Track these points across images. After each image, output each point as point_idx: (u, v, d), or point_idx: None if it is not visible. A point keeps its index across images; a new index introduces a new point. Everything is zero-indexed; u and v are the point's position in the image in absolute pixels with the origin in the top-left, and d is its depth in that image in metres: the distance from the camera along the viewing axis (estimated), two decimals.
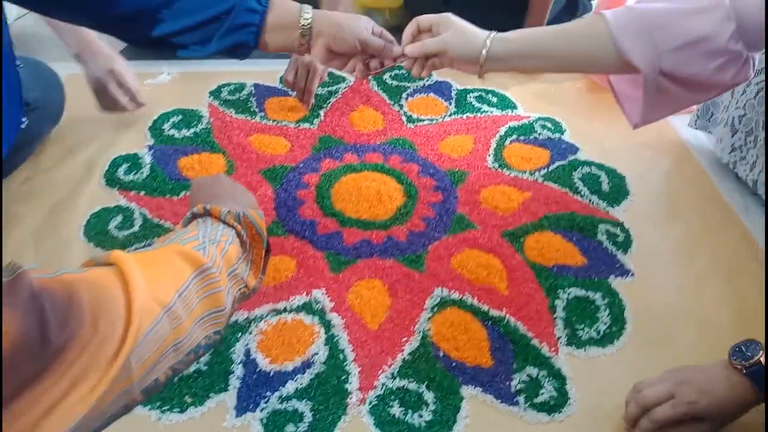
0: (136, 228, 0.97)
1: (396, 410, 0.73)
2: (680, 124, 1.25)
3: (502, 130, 1.22)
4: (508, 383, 0.76)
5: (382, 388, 0.75)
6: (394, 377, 0.77)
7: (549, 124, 1.25)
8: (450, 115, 1.26)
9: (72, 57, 1.13)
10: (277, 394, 0.74)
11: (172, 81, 1.36)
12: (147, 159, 1.11)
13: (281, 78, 1.30)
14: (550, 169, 1.12)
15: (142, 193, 1.04)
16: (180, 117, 1.23)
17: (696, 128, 1.20)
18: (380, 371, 0.77)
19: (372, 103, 1.29)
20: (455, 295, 0.87)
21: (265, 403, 0.73)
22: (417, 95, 1.32)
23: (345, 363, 0.78)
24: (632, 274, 0.92)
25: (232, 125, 1.21)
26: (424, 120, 1.25)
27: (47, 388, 0.34)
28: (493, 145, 1.18)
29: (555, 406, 0.74)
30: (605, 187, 1.09)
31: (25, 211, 1.00)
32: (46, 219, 0.99)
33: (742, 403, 0.66)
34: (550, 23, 1.39)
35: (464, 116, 1.26)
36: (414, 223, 0.99)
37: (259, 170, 1.10)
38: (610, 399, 0.75)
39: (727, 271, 0.94)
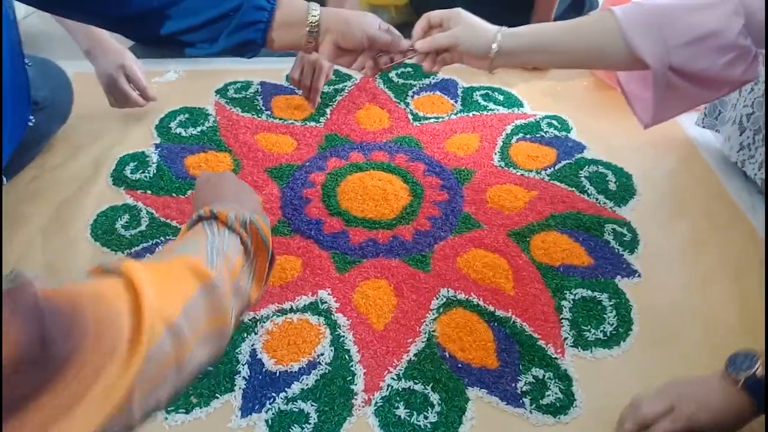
0: (143, 227, 0.97)
1: (401, 411, 0.73)
2: (687, 123, 1.24)
3: (509, 129, 1.22)
4: (513, 385, 0.76)
5: (387, 389, 0.75)
6: (399, 378, 0.77)
7: (556, 123, 1.24)
8: (456, 114, 1.26)
9: (83, 53, 1.14)
10: (282, 394, 0.74)
11: (179, 79, 1.36)
12: (154, 158, 1.11)
13: (287, 76, 1.30)
14: (556, 168, 1.12)
15: (149, 192, 1.04)
16: (187, 115, 1.23)
17: (703, 127, 1.19)
18: (386, 372, 0.77)
19: (378, 101, 1.29)
20: (461, 296, 0.87)
21: (271, 403, 0.74)
22: (423, 93, 1.32)
23: (351, 364, 0.78)
24: (639, 275, 0.92)
25: (238, 123, 1.21)
26: (430, 118, 1.25)
27: (45, 404, 0.33)
28: (500, 143, 1.18)
29: (561, 407, 0.74)
30: (612, 186, 1.09)
31: (32, 210, 1.00)
32: (53, 218, 0.99)
33: (740, 415, 0.65)
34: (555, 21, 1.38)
35: (470, 114, 1.26)
36: (420, 222, 0.99)
37: (265, 169, 1.10)
38: (617, 401, 0.75)
39: (734, 270, 0.93)
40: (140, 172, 1.08)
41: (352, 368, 0.78)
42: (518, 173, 1.11)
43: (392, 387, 0.76)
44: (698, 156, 1.17)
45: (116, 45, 1.15)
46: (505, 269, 0.92)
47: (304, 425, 0.71)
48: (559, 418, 0.73)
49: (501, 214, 1.01)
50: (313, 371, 0.77)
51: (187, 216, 0.98)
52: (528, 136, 1.20)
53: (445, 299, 0.87)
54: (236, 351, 0.79)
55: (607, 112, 1.29)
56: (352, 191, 1.05)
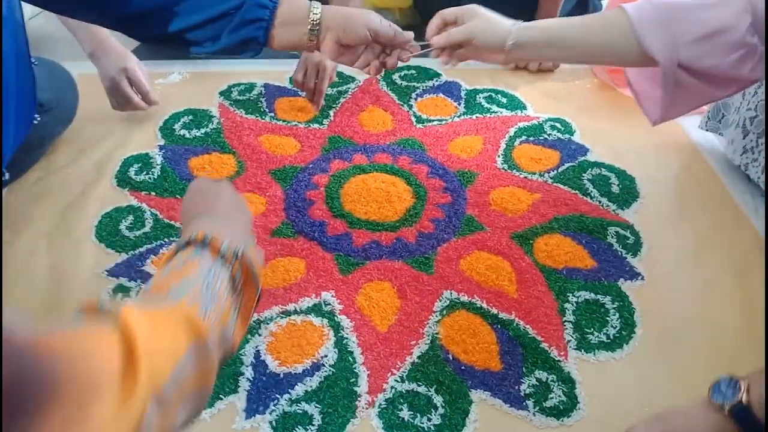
0: (147, 228, 0.98)
1: (405, 413, 0.73)
2: (691, 126, 1.24)
3: (512, 131, 1.22)
4: (517, 387, 0.77)
5: (391, 391, 0.76)
6: (403, 380, 0.77)
7: (559, 125, 1.24)
8: (459, 116, 1.26)
9: (87, 56, 1.14)
10: (286, 396, 0.75)
11: (183, 81, 1.36)
12: (158, 159, 1.12)
13: (291, 78, 1.30)
14: (559, 171, 1.12)
15: (153, 193, 1.04)
16: (190, 117, 1.23)
17: (707, 130, 1.19)
18: (389, 374, 0.78)
19: (381, 103, 1.29)
20: (464, 298, 0.87)
21: (275, 405, 0.74)
22: (426, 96, 1.32)
23: (354, 365, 0.78)
24: (642, 278, 0.92)
25: (242, 125, 1.21)
26: (433, 120, 1.25)
27: None
28: (503, 145, 1.18)
29: (564, 410, 0.74)
30: (615, 188, 1.09)
31: (36, 212, 1.01)
32: (57, 219, 1.00)
33: None
34: None
35: (473, 117, 1.26)
36: (423, 224, 0.99)
37: (269, 170, 1.10)
38: (620, 404, 0.75)
39: (737, 273, 0.93)
40: (144, 173, 1.09)
41: (355, 370, 0.78)
42: (521, 176, 1.11)
43: (396, 389, 0.76)
44: (701, 159, 1.18)
45: (120, 47, 1.15)
46: (508, 272, 0.92)
47: (307, 427, 0.72)
48: (562, 421, 0.73)
49: (504, 217, 1.02)
50: (316, 373, 0.77)
51: None
52: (531, 138, 1.20)
53: (448, 301, 0.87)
54: (240, 352, 0.79)
55: (611, 114, 1.29)
56: (355, 193, 1.05)
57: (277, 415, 0.73)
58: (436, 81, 1.37)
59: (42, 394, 0.30)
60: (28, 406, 0.30)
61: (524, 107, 1.30)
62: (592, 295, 0.89)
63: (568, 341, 0.82)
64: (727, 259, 0.96)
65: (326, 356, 0.79)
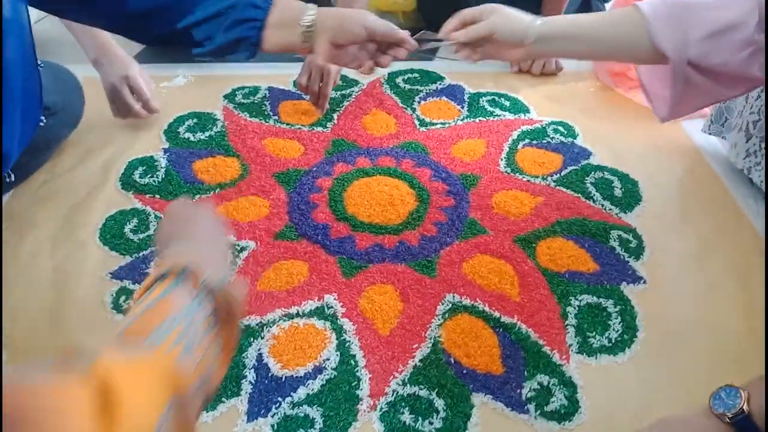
0: (151, 231, 0.98)
1: (407, 417, 0.74)
2: (693, 130, 1.24)
3: (515, 134, 1.22)
4: (519, 391, 0.77)
5: (392, 395, 0.76)
6: (404, 384, 0.77)
7: (562, 129, 1.24)
8: (462, 119, 1.27)
9: (90, 62, 1.15)
10: (288, 399, 0.75)
11: (188, 84, 1.37)
12: (162, 162, 1.12)
13: (295, 81, 1.31)
14: (562, 174, 1.12)
15: (158, 196, 1.05)
16: (195, 120, 1.24)
17: (710, 133, 1.19)
18: (391, 377, 0.78)
19: (385, 106, 1.30)
20: (467, 301, 0.88)
21: (277, 408, 0.74)
22: (430, 99, 1.32)
23: (356, 369, 0.79)
24: (644, 282, 0.92)
25: (246, 128, 1.22)
26: (436, 124, 1.25)
27: None
28: (506, 149, 1.18)
29: (566, 414, 0.74)
30: (618, 192, 1.09)
31: (41, 214, 1.01)
32: (62, 222, 1.00)
33: None
34: None
35: (477, 120, 1.26)
36: (426, 227, 1.00)
37: (272, 173, 1.11)
38: (622, 408, 0.75)
39: (740, 277, 0.93)
40: (149, 176, 1.09)
41: (357, 373, 0.78)
42: (524, 179, 1.11)
43: (397, 392, 0.76)
44: (704, 163, 1.17)
45: (122, 54, 1.15)
46: (510, 275, 0.92)
47: (309, 430, 0.72)
48: (563, 425, 0.73)
49: (507, 220, 1.02)
50: (318, 376, 0.78)
51: None
52: (534, 142, 1.20)
53: (450, 305, 0.87)
54: (243, 355, 0.80)
55: (614, 118, 1.29)
56: (358, 196, 1.05)
57: (279, 419, 0.73)
58: (440, 84, 1.37)
59: None
60: None
61: (527, 110, 1.30)
62: (595, 298, 0.89)
63: (570, 345, 0.82)
64: (730, 263, 0.96)
65: (328, 359, 0.80)
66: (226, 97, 1.31)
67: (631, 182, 1.11)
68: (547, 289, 0.90)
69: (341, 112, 1.27)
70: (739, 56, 0.72)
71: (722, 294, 0.91)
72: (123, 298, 0.87)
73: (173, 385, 0.41)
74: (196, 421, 0.44)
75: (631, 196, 1.08)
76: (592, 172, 1.13)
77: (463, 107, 1.30)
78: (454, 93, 1.34)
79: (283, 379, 0.77)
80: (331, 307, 0.86)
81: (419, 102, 1.31)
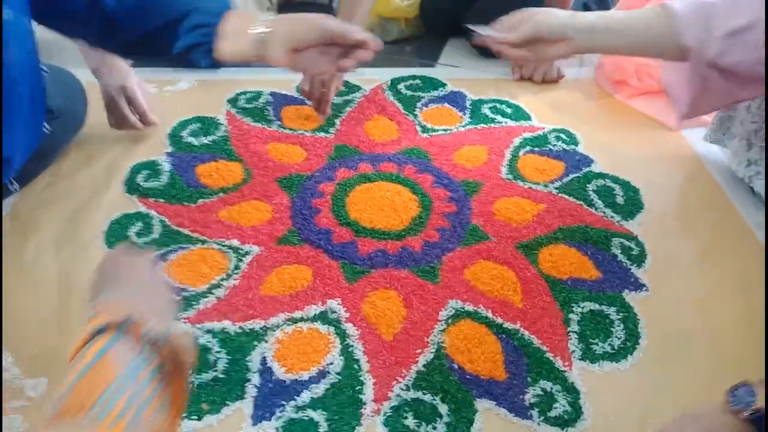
0: (155, 234, 0.98)
1: (410, 422, 0.74)
2: (695, 138, 1.25)
3: (517, 141, 1.23)
4: (521, 397, 0.77)
5: (396, 399, 0.76)
6: (408, 388, 0.77)
7: (563, 136, 1.25)
8: (464, 126, 1.27)
9: (90, 71, 1.14)
10: (292, 403, 0.75)
11: (191, 88, 1.37)
12: (166, 166, 1.13)
13: (298, 87, 1.31)
14: (564, 181, 1.13)
15: (161, 200, 1.05)
16: (198, 124, 1.24)
17: (711, 142, 1.20)
18: (394, 382, 0.78)
19: (387, 112, 1.30)
20: (469, 307, 0.88)
21: (281, 412, 0.74)
22: (432, 105, 1.33)
23: (360, 373, 0.79)
24: (646, 289, 0.92)
25: (249, 133, 1.22)
26: (438, 130, 1.26)
27: None
28: (508, 156, 1.19)
29: (568, 420, 0.75)
30: (619, 200, 1.09)
31: (45, 218, 1.02)
32: (66, 225, 1.00)
33: None
34: None
35: (478, 127, 1.27)
36: (428, 233, 1.00)
37: (275, 178, 1.11)
38: (624, 414, 0.76)
39: (741, 285, 0.94)
40: (152, 180, 1.10)
41: (361, 378, 0.78)
42: (526, 186, 1.11)
43: (401, 397, 0.76)
44: (705, 171, 1.18)
45: (121, 64, 1.14)
46: (513, 281, 0.92)
47: None
48: (566, 431, 0.74)
49: (509, 227, 1.02)
50: (322, 380, 0.78)
51: (198, 225, 1.00)
52: (536, 149, 1.21)
53: (453, 310, 0.88)
54: (247, 359, 0.80)
55: (615, 125, 1.30)
56: (361, 202, 1.06)
57: (283, 422, 0.73)
58: (442, 91, 1.38)
59: None
60: None
61: (529, 118, 1.31)
62: (597, 305, 0.89)
63: (573, 351, 0.83)
64: (731, 271, 0.96)
65: (332, 364, 0.80)
66: (229, 101, 1.32)
67: (632, 190, 1.12)
68: (550, 295, 0.90)
69: (344, 117, 1.28)
70: (754, 56, 0.73)
71: (724, 301, 0.91)
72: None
73: None
74: None
75: (632, 204, 1.09)
76: (594, 180, 1.14)
77: (464, 114, 1.31)
78: (455, 100, 1.35)
79: (288, 383, 0.77)
80: (335, 311, 0.87)
81: (421, 108, 1.32)
